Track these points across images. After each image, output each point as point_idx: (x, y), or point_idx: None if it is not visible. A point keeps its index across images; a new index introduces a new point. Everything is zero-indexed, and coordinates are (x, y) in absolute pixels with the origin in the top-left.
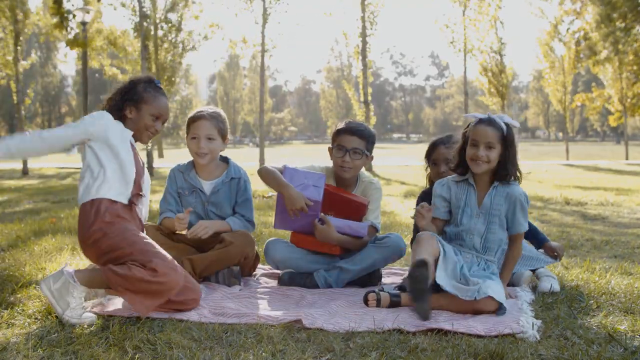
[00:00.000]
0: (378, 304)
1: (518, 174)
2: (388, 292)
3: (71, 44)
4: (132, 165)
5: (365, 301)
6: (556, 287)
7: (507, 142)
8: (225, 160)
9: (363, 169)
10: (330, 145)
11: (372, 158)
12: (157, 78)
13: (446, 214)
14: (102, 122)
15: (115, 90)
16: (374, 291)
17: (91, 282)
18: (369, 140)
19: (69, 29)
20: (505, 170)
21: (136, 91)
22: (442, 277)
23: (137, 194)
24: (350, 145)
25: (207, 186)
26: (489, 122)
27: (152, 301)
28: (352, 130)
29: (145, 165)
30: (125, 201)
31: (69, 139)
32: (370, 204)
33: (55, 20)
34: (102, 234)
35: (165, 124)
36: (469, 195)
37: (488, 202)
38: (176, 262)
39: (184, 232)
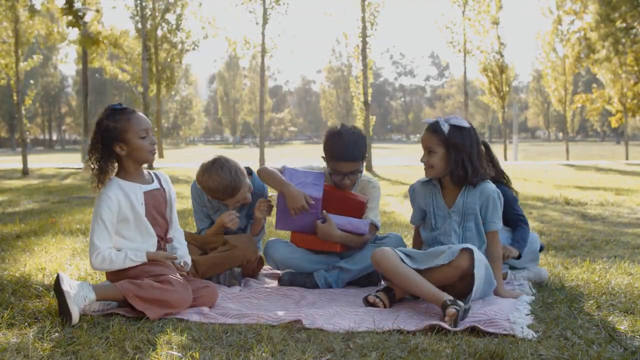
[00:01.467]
0: (384, 305)
1: (480, 174)
2: (382, 291)
3: (84, 41)
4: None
5: (370, 305)
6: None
7: (449, 144)
8: (249, 172)
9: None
10: (323, 155)
11: (365, 158)
12: (157, 78)
13: (420, 220)
14: (111, 209)
15: (92, 145)
16: (371, 294)
17: (102, 292)
18: (363, 156)
19: (80, 27)
20: (455, 172)
21: (109, 128)
22: (413, 263)
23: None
24: (347, 170)
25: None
26: (430, 127)
27: (161, 309)
28: (348, 158)
29: (170, 193)
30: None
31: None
32: (369, 203)
33: (68, 19)
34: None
35: (165, 124)
36: (435, 197)
37: (462, 201)
38: (188, 285)
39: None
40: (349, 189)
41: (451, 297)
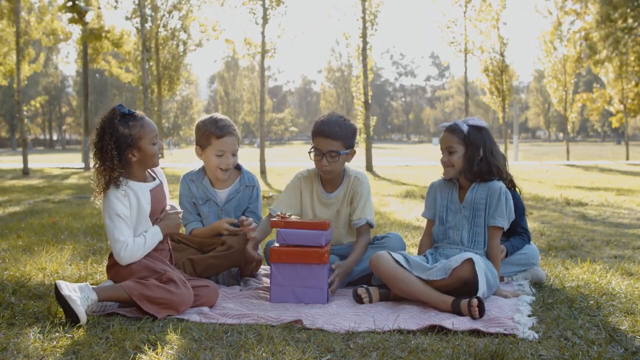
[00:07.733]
0: (370, 300)
1: (494, 170)
2: (375, 285)
3: (87, 37)
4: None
5: (357, 298)
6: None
7: (469, 143)
8: (237, 166)
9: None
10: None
11: (354, 152)
12: (159, 78)
13: (433, 215)
14: (125, 204)
15: (102, 150)
16: (362, 286)
17: (105, 293)
18: (345, 138)
19: (83, 24)
20: (470, 169)
21: (124, 134)
22: (409, 267)
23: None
24: (325, 148)
25: (220, 195)
26: (449, 128)
27: (166, 310)
28: (326, 132)
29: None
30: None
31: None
32: (359, 201)
33: (71, 16)
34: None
35: (166, 124)
36: (451, 192)
37: (471, 197)
38: (188, 283)
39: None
40: (328, 173)
41: (454, 298)
